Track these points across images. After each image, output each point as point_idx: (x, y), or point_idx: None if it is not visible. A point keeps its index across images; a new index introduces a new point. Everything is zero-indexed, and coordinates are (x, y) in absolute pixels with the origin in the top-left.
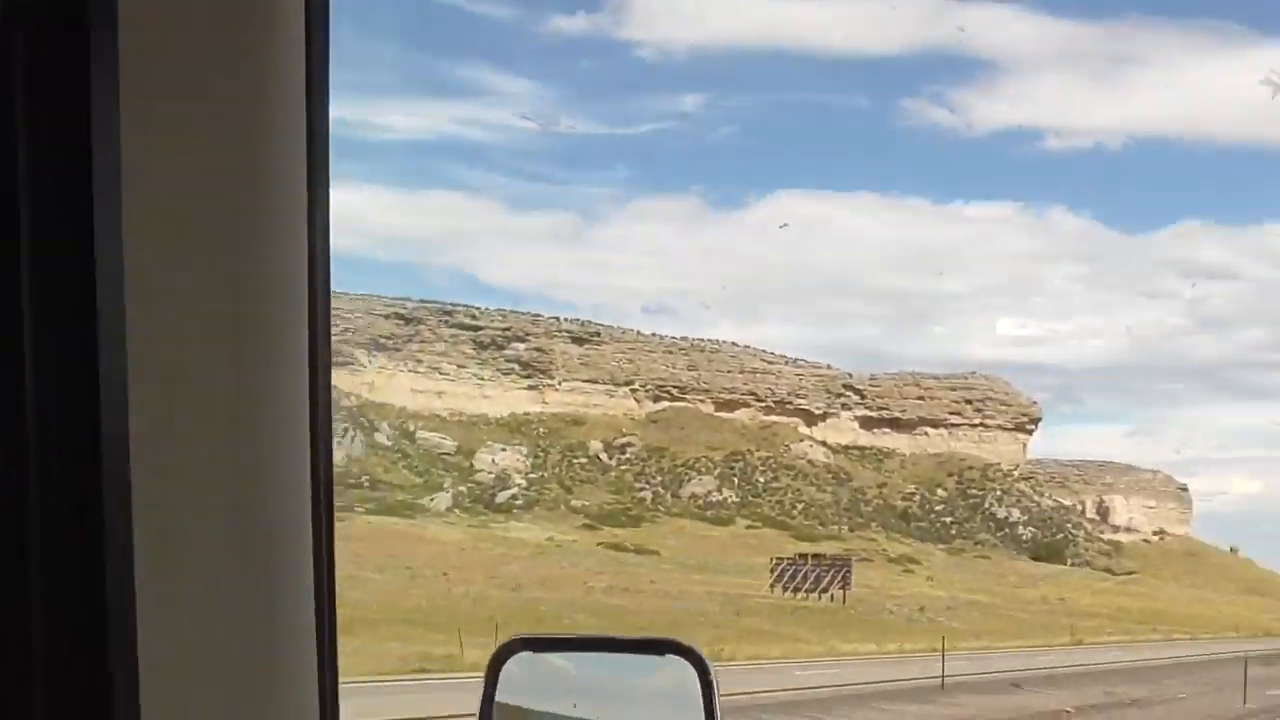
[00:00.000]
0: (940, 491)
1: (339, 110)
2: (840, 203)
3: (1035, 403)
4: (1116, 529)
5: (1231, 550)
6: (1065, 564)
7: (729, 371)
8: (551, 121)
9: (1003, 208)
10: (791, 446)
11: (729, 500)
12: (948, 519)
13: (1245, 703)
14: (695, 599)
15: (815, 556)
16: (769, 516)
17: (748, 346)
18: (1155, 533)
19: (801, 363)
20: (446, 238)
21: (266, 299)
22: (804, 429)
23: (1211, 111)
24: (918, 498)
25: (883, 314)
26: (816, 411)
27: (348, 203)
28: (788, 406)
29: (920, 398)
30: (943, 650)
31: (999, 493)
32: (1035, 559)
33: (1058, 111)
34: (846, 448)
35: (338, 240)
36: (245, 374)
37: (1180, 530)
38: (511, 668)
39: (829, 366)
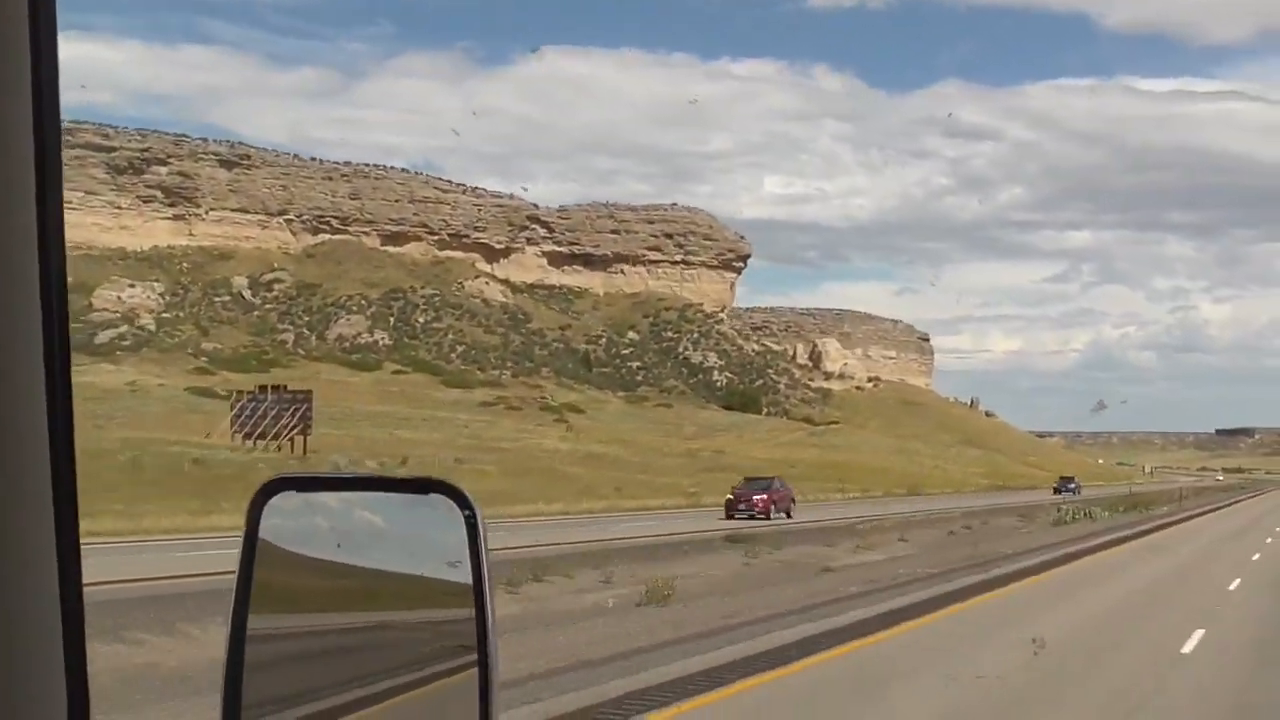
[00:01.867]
0: (632, 334)
1: None
2: (606, 59)
3: (743, 238)
4: (829, 375)
5: (972, 403)
6: (761, 413)
7: (397, 200)
8: None
9: (767, 65)
10: (465, 284)
11: (380, 343)
12: (635, 364)
13: None
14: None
15: (276, 389)
16: (422, 360)
17: (420, 173)
18: (870, 379)
19: (481, 191)
20: (202, 94)
21: None
22: (483, 265)
23: None
24: (604, 341)
25: (650, 172)
26: (498, 246)
27: (99, 56)
28: (465, 240)
29: (615, 232)
30: None
31: (696, 336)
32: (728, 408)
33: None
34: (532, 286)
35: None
36: None
37: (920, 381)
38: (273, 506)
39: (512, 196)
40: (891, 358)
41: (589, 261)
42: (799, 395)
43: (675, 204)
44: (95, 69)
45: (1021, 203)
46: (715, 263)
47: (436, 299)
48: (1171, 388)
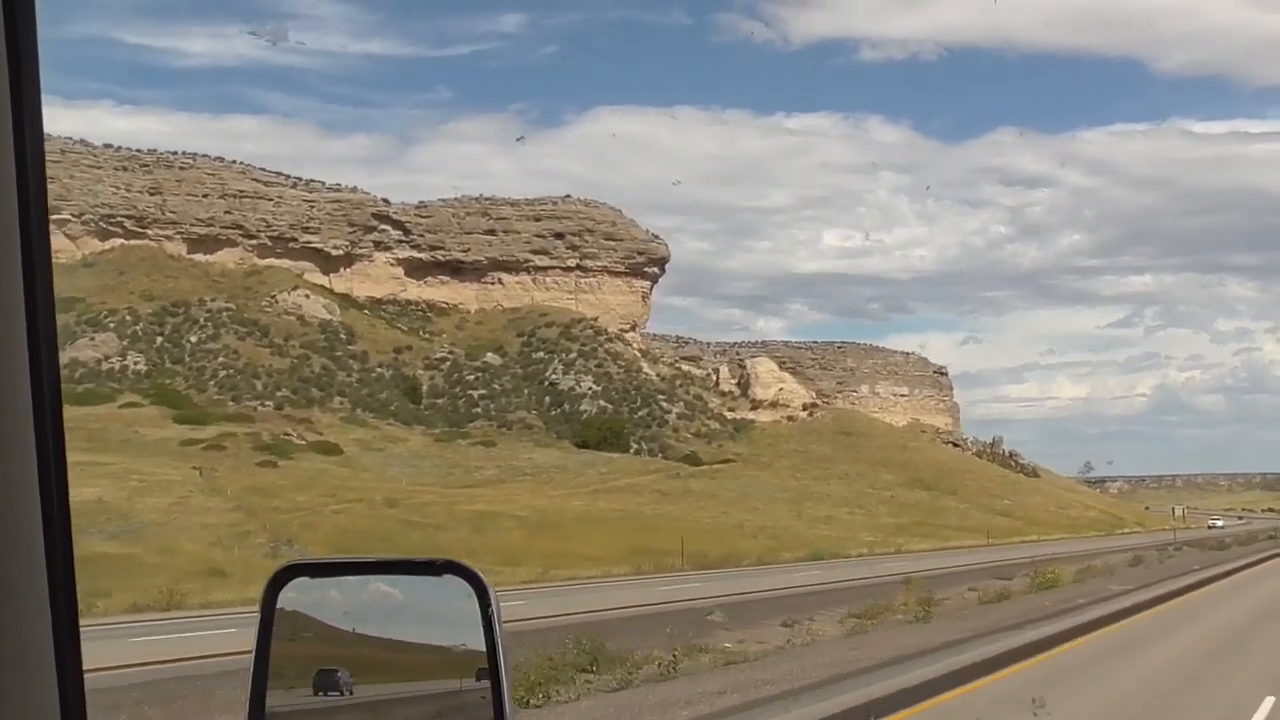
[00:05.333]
0: (491, 357)
1: (136, 38)
2: (660, 118)
3: (657, 237)
4: (758, 404)
5: (993, 443)
6: (628, 450)
7: (205, 196)
8: (280, 37)
9: (822, 119)
10: (279, 298)
11: (132, 368)
12: (478, 393)
13: None
14: None
15: None
16: (171, 390)
17: (235, 162)
18: (806, 407)
19: (315, 184)
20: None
21: None
22: (319, 276)
23: (1018, 21)
24: (446, 365)
25: (709, 229)
26: (336, 252)
27: (147, 127)
28: (293, 245)
29: (491, 233)
30: None
31: (574, 357)
32: (582, 444)
33: (871, 22)
34: (380, 302)
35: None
36: None
37: (938, 420)
38: (287, 595)
39: (355, 189)
40: (904, 395)
41: (458, 270)
42: (694, 428)
43: (569, 196)
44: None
45: (1082, 249)
46: (621, 268)
47: (227, 315)
48: (1239, 430)
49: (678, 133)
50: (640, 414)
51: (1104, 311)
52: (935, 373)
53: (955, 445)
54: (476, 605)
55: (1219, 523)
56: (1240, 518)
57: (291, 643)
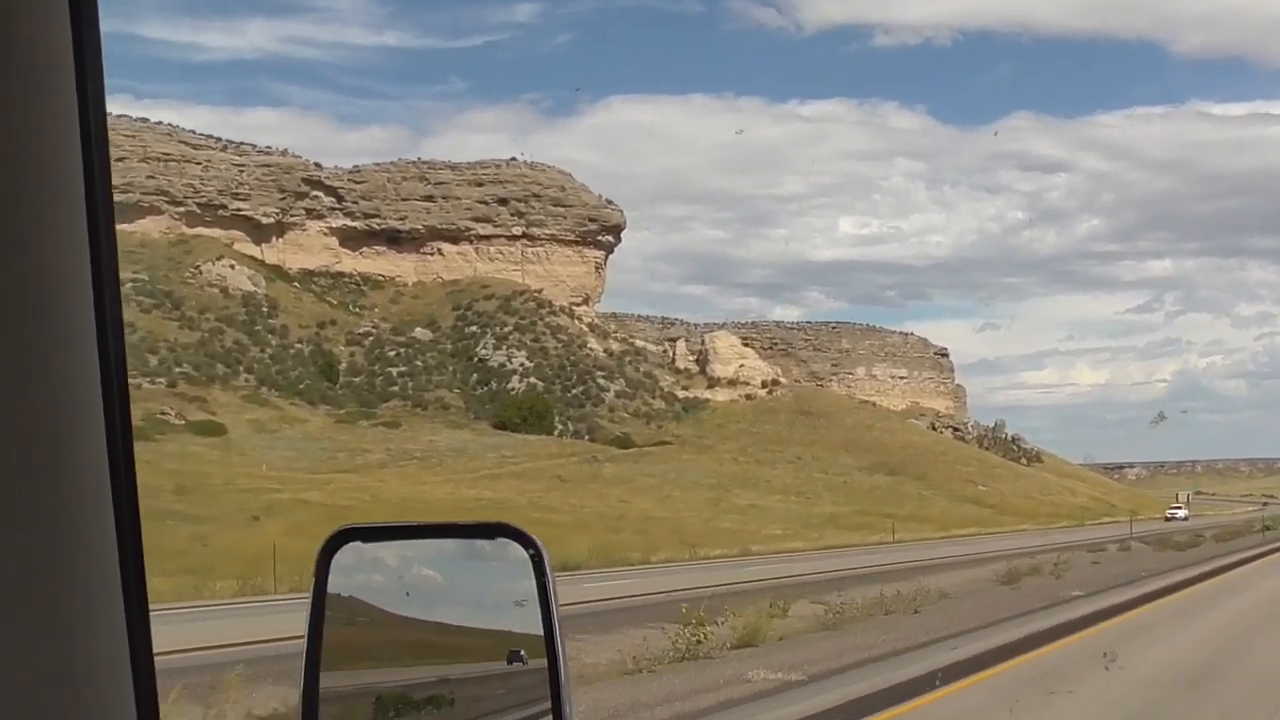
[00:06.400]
0: (420, 332)
1: (156, 32)
2: (673, 105)
3: (610, 203)
4: (714, 382)
5: (995, 426)
6: (552, 431)
7: (122, 159)
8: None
9: (836, 105)
10: (204, 269)
11: None
12: (397, 370)
13: None
14: None
15: None
16: None
17: (160, 122)
18: (765, 385)
19: (246, 146)
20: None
21: (49, 292)
22: (252, 247)
23: (1034, 4)
24: (369, 341)
25: (724, 217)
26: (267, 220)
27: (165, 121)
28: (222, 213)
29: (430, 199)
30: None
31: (510, 330)
32: (500, 426)
33: (883, 8)
34: (313, 274)
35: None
36: (32, 370)
37: (940, 404)
38: (342, 559)
39: (285, 152)
40: (903, 378)
41: (395, 240)
42: (634, 407)
43: (514, 159)
44: None
45: (1100, 234)
46: (571, 237)
47: (132, 287)
48: (1261, 415)
49: (690, 119)
50: (574, 393)
51: (1124, 297)
52: (936, 354)
53: (955, 430)
54: (532, 571)
55: (1180, 512)
56: (1264, 504)
57: (345, 618)
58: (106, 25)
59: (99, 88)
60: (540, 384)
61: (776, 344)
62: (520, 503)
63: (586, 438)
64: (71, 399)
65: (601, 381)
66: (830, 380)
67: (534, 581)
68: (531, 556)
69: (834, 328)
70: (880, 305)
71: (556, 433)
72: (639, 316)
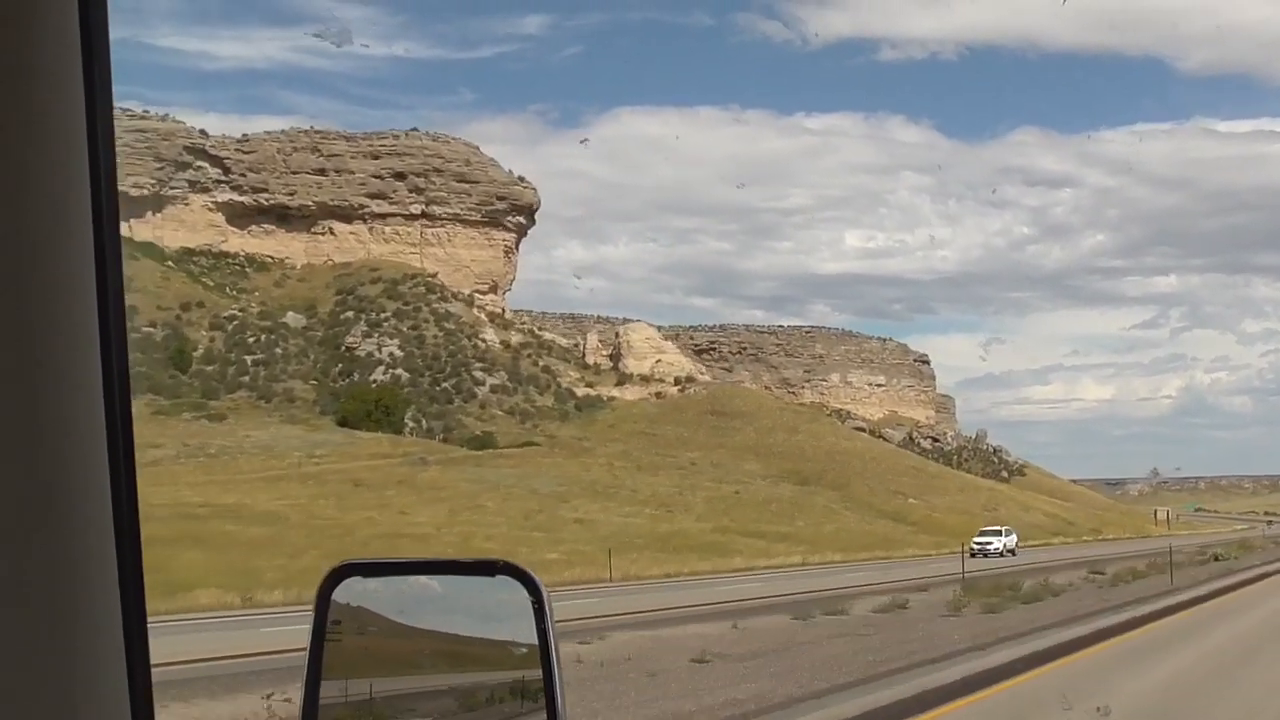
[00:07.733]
0: (292, 317)
1: (166, 40)
2: (681, 118)
3: (522, 179)
4: (625, 379)
5: (976, 437)
6: (401, 429)
7: None
8: (345, 40)
9: (842, 119)
10: None
11: None
12: (253, 358)
13: None
14: None
15: None
16: None
17: None
18: (679, 383)
19: (120, 110)
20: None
21: (53, 297)
22: (122, 227)
23: (1039, 20)
24: (232, 326)
25: (730, 230)
26: (140, 192)
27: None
28: None
29: (322, 172)
30: None
31: (387, 317)
32: (342, 422)
33: (890, 22)
34: (193, 253)
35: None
36: (34, 376)
37: (920, 414)
38: (341, 594)
39: (166, 117)
40: (880, 385)
41: (285, 218)
42: (512, 404)
43: (415, 130)
44: None
45: (1105, 249)
46: (476, 217)
47: None
48: (1266, 431)
49: (697, 131)
50: (441, 387)
51: (1129, 312)
52: (916, 361)
53: (935, 440)
54: (529, 608)
55: (994, 544)
56: (1269, 522)
57: (342, 640)
58: (116, 32)
59: (107, 94)
60: (406, 375)
61: (745, 348)
62: (269, 509)
63: (440, 437)
64: (73, 400)
65: (478, 375)
66: (804, 387)
67: (534, 623)
68: (532, 597)
69: (807, 332)
70: (887, 319)
71: (407, 430)
72: (598, 317)
